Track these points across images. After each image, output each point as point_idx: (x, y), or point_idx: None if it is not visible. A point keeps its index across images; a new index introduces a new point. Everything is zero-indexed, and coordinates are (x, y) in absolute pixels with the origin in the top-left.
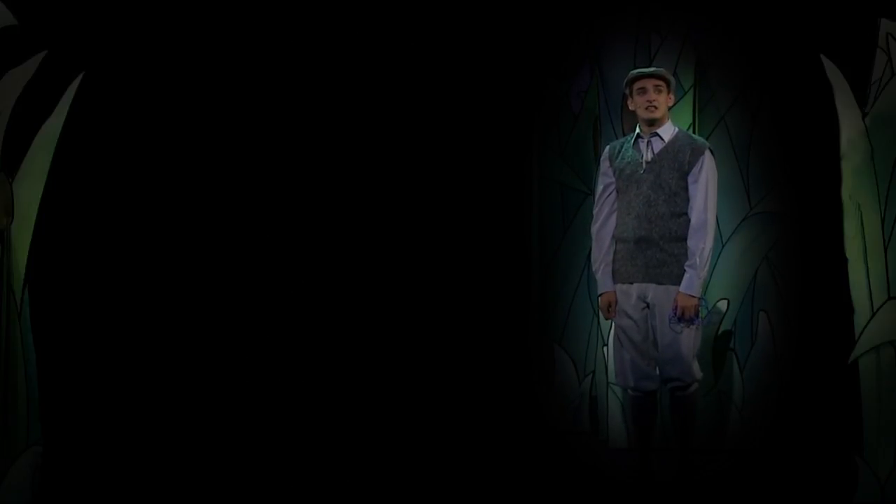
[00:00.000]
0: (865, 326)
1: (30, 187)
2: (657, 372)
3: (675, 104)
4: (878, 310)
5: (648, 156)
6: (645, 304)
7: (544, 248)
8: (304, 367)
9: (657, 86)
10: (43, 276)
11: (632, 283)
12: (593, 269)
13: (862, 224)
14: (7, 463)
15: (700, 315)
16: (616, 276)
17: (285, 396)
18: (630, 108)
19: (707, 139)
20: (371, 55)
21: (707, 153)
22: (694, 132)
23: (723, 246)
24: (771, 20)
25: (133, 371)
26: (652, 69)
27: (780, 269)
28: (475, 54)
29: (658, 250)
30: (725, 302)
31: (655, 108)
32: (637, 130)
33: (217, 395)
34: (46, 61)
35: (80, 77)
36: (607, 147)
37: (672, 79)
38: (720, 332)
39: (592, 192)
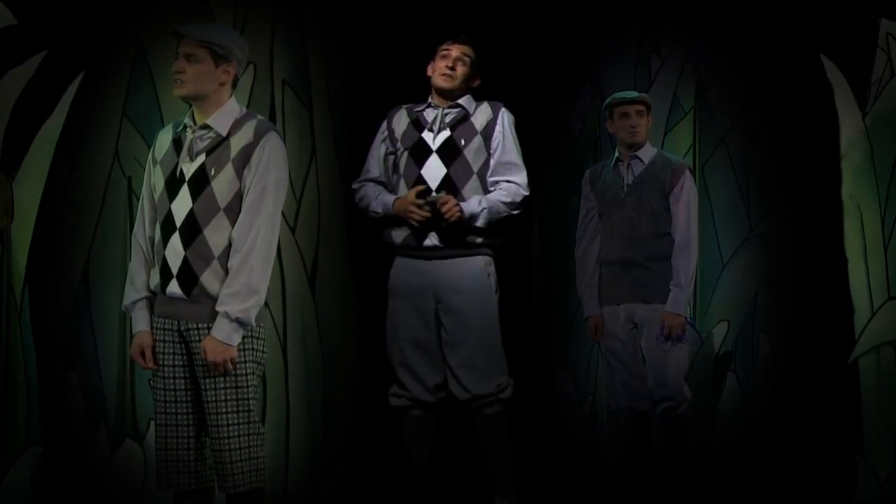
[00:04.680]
0: (865, 326)
1: (30, 187)
2: (648, 392)
3: (654, 124)
4: (878, 310)
5: (629, 178)
6: (633, 325)
7: (545, 268)
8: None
9: (639, 111)
10: (43, 276)
11: (619, 305)
12: (578, 292)
13: (862, 224)
14: (7, 463)
15: (688, 333)
16: (603, 299)
17: (285, 398)
18: (610, 130)
19: (707, 161)
20: (369, 74)
21: (687, 172)
22: (695, 154)
23: (723, 267)
24: (771, 33)
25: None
26: (634, 95)
27: (779, 269)
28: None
29: (644, 270)
30: (726, 323)
31: (638, 132)
32: (616, 154)
33: None
34: (46, 61)
35: (80, 77)
36: (587, 171)
37: (651, 102)
38: (720, 352)
39: None
